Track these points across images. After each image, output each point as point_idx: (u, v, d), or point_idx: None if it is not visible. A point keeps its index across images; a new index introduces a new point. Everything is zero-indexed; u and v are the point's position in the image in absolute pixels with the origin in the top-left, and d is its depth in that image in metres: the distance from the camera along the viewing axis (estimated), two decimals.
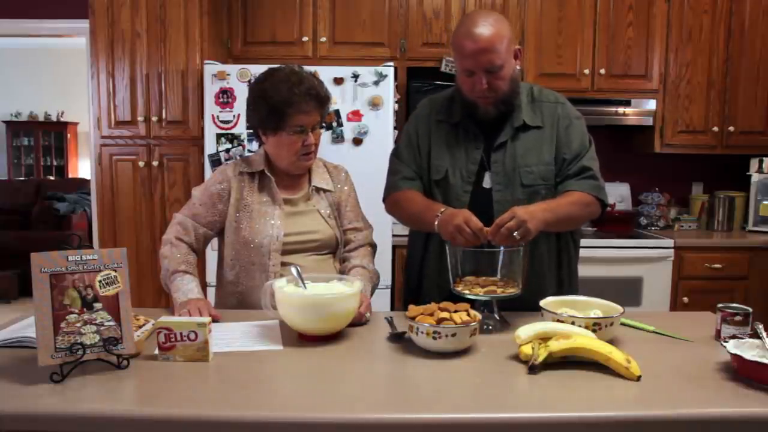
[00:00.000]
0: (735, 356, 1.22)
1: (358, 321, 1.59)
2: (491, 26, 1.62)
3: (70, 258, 1.25)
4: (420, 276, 1.88)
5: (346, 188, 1.91)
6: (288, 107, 1.69)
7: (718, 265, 3.30)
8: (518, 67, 1.74)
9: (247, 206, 1.78)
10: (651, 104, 3.52)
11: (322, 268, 1.80)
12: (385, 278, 3.11)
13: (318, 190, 1.86)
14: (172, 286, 1.72)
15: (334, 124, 3.06)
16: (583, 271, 3.32)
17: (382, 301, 3.05)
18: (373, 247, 1.93)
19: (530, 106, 1.77)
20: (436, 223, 1.60)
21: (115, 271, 1.29)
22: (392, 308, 3.09)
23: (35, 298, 1.21)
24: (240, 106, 3.05)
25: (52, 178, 8.18)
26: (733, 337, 1.41)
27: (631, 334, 1.55)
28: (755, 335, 1.33)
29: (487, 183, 1.75)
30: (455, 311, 1.40)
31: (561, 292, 1.80)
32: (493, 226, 1.51)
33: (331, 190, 1.87)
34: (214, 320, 1.60)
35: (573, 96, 3.44)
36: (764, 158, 3.59)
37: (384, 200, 1.89)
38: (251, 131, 1.86)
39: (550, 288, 1.77)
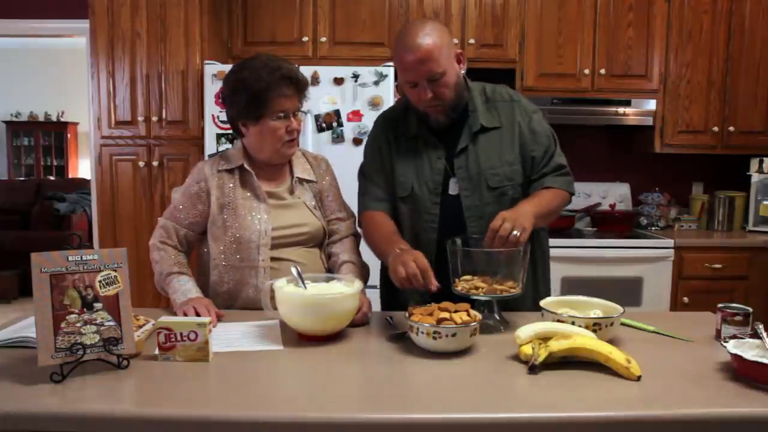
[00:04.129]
0: (735, 356, 1.22)
1: (362, 322, 1.59)
2: (428, 36, 1.61)
3: (70, 258, 1.25)
4: (395, 290, 1.85)
5: (327, 178, 1.90)
6: (269, 92, 1.68)
7: (718, 265, 3.30)
8: (462, 71, 1.73)
9: (231, 203, 1.76)
10: (651, 104, 3.51)
11: (311, 261, 1.79)
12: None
13: (301, 181, 1.85)
14: (169, 288, 1.72)
15: (334, 124, 3.06)
16: (583, 271, 3.32)
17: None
18: (357, 237, 1.92)
19: (485, 107, 1.77)
20: (390, 260, 1.56)
21: (115, 271, 1.29)
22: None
23: (35, 298, 1.21)
24: None
25: (52, 178, 8.19)
26: (734, 337, 1.41)
27: (631, 334, 1.55)
28: (755, 335, 1.33)
29: (453, 190, 1.75)
30: (455, 311, 1.40)
31: (537, 289, 1.81)
32: (489, 232, 1.50)
33: (313, 180, 1.87)
34: (219, 318, 1.61)
35: (573, 96, 3.48)
36: (764, 158, 3.59)
37: (358, 222, 1.88)
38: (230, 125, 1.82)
39: (527, 286, 1.76)
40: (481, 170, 1.73)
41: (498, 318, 1.58)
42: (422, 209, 1.76)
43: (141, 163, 3.23)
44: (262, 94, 1.68)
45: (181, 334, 1.30)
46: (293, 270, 1.55)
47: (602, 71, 3.48)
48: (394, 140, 1.81)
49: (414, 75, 1.64)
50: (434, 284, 1.49)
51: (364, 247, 1.93)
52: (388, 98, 3.06)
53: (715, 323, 1.51)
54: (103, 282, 1.27)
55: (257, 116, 1.71)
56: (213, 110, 3.09)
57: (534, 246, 1.81)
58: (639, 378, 1.23)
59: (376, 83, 3.05)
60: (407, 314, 1.43)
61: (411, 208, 1.78)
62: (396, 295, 1.82)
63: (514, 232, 1.48)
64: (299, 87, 1.74)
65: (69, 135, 8.47)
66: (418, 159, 1.77)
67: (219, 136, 3.10)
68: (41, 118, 8.49)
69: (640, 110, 3.52)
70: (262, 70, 1.68)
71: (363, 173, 1.88)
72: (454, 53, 1.68)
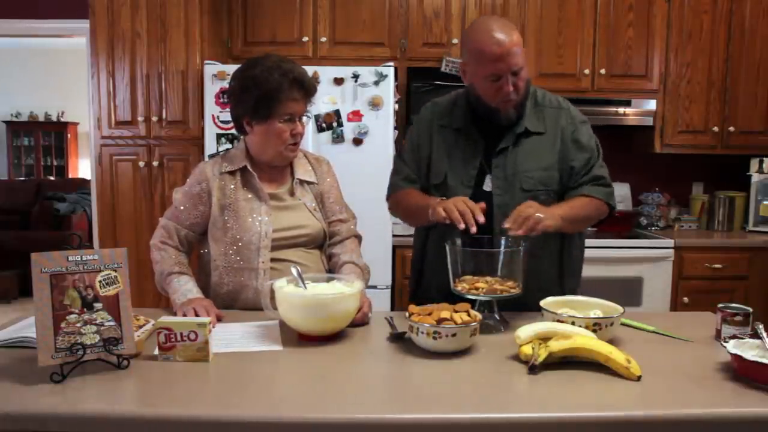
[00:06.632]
0: (735, 356, 1.22)
1: (362, 322, 1.59)
2: (512, 30, 1.65)
3: (70, 258, 1.25)
4: (419, 275, 1.90)
5: (328, 179, 1.90)
6: (280, 94, 1.68)
7: (718, 265, 3.30)
8: None
9: (232, 205, 1.76)
10: (651, 104, 3.51)
11: (311, 263, 1.79)
12: (385, 278, 3.11)
13: (302, 182, 1.85)
14: (170, 288, 1.72)
15: (334, 124, 3.06)
16: (584, 271, 3.30)
17: (382, 301, 3.05)
18: (359, 238, 1.93)
19: (533, 111, 1.79)
20: (434, 203, 1.60)
21: (116, 271, 1.29)
22: (392, 308, 3.09)
23: (35, 298, 1.21)
24: None
25: (52, 178, 8.18)
26: (734, 337, 1.41)
27: (631, 334, 1.55)
28: (755, 335, 1.33)
29: (487, 186, 1.76)
30: (455, 311, 1.40)
31: (561, 284, 1.81)
32: (514, 214, 1.53)
33: (314, 182, 1.86)
34: (219, 319, 1.61)
35: (573, 96, 3.42)
36: (764, 158, 3.59)
37: (387, 199, 1.93)
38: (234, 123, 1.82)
39: (552, 283, 1.77)
40: (516, 171, 1.74)
41: (498, 318, 1.58)
42: None
43: (141, 163, 3.23)
44: (272, 94, 1.68)
45: (181, 334, 1.30)
46: (293, 270, 1.55)
47: (602, 71, 3.48)
48: (438, 128, 1.84)
49: (501, 67, 1.65)
50: (480, 218, 1.52)
51: (365, 248, 1.93)
52: (388, 98, 3.06)
53: (715, 323, 1.51)
54: (103, 282, 1.27)
55: (265, 116, 1.71)
56: (213, 110, 3.09)
57: (570, 246, 1.83)
58: (639, 378, 1.23)
59: (376, 83, 3.05)
60: (407, 314, 1.43)
61: (442, 196, 1.78)
62: (418, 290, 1.86)
63: (538, 215, 1.50)
64: (309, 92, 1.75)
65: (69, 135, 8.47)
66: (456, 151, 1.80)
67: (219, 136, 3.10)
68: (41, 118, 8.49)
69: (640, 110, 3.52)
70: (275, 71, 1.69)
71: (399, 154, 1.94)
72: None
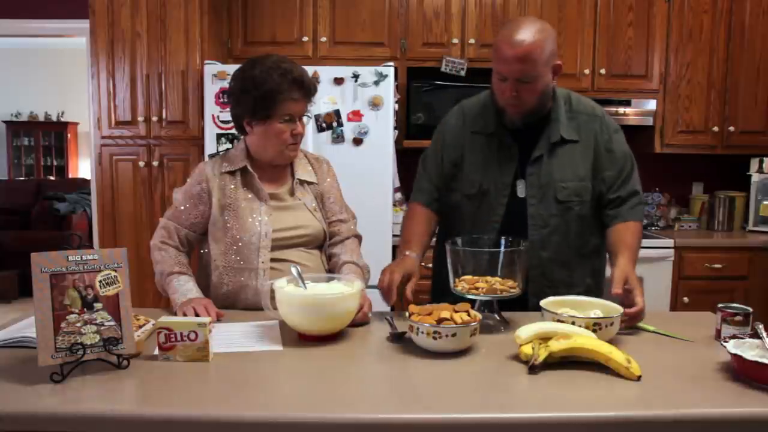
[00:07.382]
0: (735, 356, 1.22)
1: (363, 321, 1.59)
2: (534, 35, 1.57)
3: (70, 258, 1.25)
4: (441, 279, 1.89)
5: (328, 179, 1.89)
6: (279, 94, 1.68)
7: (718, 265, 3.30)
8: (554, 83, 1.70)
9: (232, 205, 1.75)
10: (651, 104, 3.52)
11: (311, 263, 1.79)
12: None
13: (302, 182, 1.84)
14: (170, 288, 1.72)
15: (334, 124, 3.06)
16: None
17: (382, 301, 3.04)
18: (359, 238, 1.92)
19: (568, 117, 1.75)
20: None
21: (116, 271, 1.29)
22: (392, 308, 3.08)
23: (35, 298, 1.21)
24: None
25: (52, 178, 8.18)
26: (734, 337, 1.41)
27: (631, 334, 1.55)
28: (755, 335, 1.33)
29: (521, 192, 1.74)
30: (455, 311, 1.40)
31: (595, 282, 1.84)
32: (633, 316, 1.53)
33: (314, 182, 1.86)
34: (218, 318, 1.61)
35: None
36: (764, 158, 3.59)
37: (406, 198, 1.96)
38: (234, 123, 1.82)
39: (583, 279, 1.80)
40: (551, 180, 1.72)
41: (498, 318, 1.58)
42: (488, 208, 1.76)
43: (141, 163, 3.23)
44: (271, 95, 1.68)
45: (181, 334, 1.30)
46: (293, 270, 1.55)
47: (602, 71, 3.48)
48: (470, 135, 1.80)
49: (506, 69, 1.61)
50: (390, 301, 1.63)
51: (365, 248, 1.93)
52: (388, 98, 3.06)
53: (715, 323, 1.51)
54: (103, 282, 1.27)
55: (264, 117, 1.71)
56: (213, 110, 3.09)
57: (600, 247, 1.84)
58: (639, 378, 1.23)
59: (376, 83, 3.05)
60: (407, 314, 1.43)
61: (476, 205, 1.77)
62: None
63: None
64: (308, 92, 1.74)
65: (69, 135, 8.46)
66: (491, 158, 1.76)
67: (219, 136, 3.10)
68: (41, 118, 8.48)
69: (640, 110, 3.52)
70: (274, 71, 1.68)
71: (423, 160, 1.91)
72: (552, 62, 1.64)
